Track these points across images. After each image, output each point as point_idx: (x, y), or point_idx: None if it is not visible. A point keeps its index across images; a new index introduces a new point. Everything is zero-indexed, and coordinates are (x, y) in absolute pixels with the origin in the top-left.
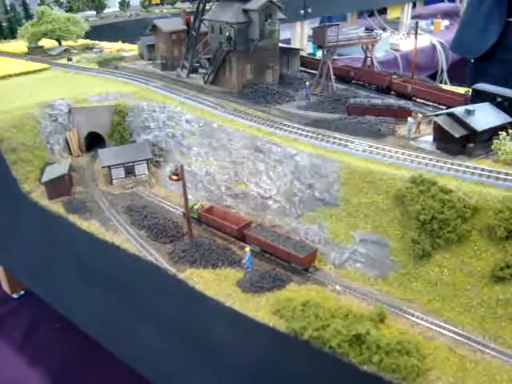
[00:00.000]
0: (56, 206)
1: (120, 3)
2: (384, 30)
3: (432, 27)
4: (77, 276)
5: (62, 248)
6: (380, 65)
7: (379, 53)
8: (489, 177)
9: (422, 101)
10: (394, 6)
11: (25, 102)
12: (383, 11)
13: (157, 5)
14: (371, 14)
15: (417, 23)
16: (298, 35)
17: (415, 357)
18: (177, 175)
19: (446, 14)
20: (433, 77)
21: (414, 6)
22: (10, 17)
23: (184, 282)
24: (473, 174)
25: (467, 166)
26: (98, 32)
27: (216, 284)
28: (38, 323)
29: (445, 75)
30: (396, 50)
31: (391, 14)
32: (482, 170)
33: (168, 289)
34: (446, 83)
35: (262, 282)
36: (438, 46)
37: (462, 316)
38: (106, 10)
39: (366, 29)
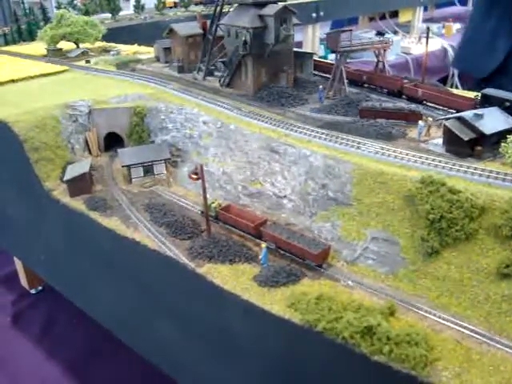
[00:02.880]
0: (77, 204)
1: (135, 6)
2: (395, 33)
3: (443, 30)
4: (97, 271)
5: (83, 244)
6: (391, 68)
7: (390, 56)
8: (496, 178)
9: (432, 105)
10: (406, 9)
11: (46, 102)
12: (394, 14)
13: (170, 8)
14: (382, 17)
15: (428, 29)
16: (310, 38)
17: (423, 348)
18: (196, 174)
19: (458, 18)
20: (444, 80)
21: (426, 9)
22: (29, 20)
23: (202, 276)
24: (480, 175)
25: (475, 168)
26: (113, 34)
27: (233, 278)
28: (56, 318)
29: (456, 79)
30: (407, 54)
31: (402, 17)
32: (490, 171)
33: (187, 283)
34: (456, 87)
35: (278, 276)
36: (450, 50)
37: (469, 311)
38: (121, 13)
39: (378, 32)
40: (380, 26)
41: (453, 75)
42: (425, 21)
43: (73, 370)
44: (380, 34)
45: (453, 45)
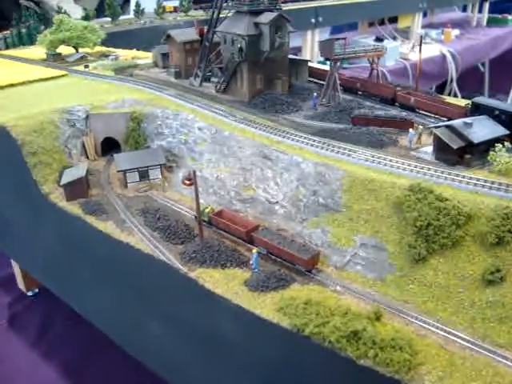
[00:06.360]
0: (74, 208)
1: (135, 10)
2: (394, 38)
3: (442, 36)
4: (92, 274)
5: (79, 247)
6: (390, 74)
7: (389, 62)
8: (483, 186)
9: (424, 112)
10: (405, 14)
11: (44, 107)
12: (394, 20)
13: (170, 12)
14: (382, 23)
15: (421, 37)
16: (309, 43)
17: (408, 352)
18: (189, 180)
19: (457, 24)
20: (442, 86)
21: (425, 14)
22: (29, 24)
23: (194, 280)
24: (468, 183)
25: (463, 176)
26: (113, 39)
27: (224, 283)
28: (52, 320)
29: (454, 84)
30: (406, 60)
31: (402, 23)
32: (478, 179)
33: (179, 287)
34: (455, 92)
35: (268, 281)
36: (448, 56)
37: (454, 316)
38: (121, 17)
39: (377, 38)
40: (379, 31)
41: (451, 81)
42: (424, 27)
43: (69, 372)
44: (379, 39)
45: (451, 50)
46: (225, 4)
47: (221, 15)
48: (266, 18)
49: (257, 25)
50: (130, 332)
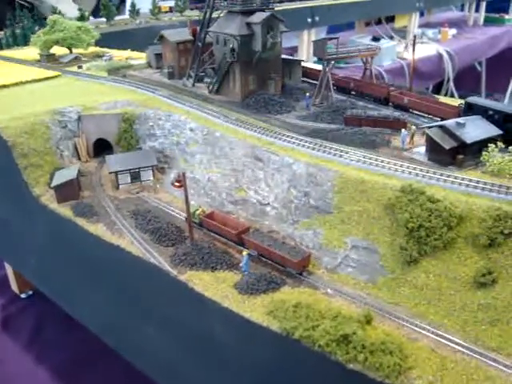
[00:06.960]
0: (64, 210)
1: (130, 11)
2: (391, 38)
3: (439, 36)
4: (83, 276)
5: (70, 249)
6: (387, 73)
7: (386, 61)
8: (475, 187)
9: (418, 112)
10: (402, 14)
11: (36, 108)
12: (391, 19)
13: (166, 12)
14: (379, 22)
15: (414, 37)
16: (305, 43)
17: (398, 356)
18: (179, 182)
19: (454, 23)
20: (439, 85)
21: (422, 14)
22: (23, 25)
23: (184, 283)
24: (460, 184)
25: (455, 177)
26: (108, 39)
27: (214, 286)
28: (45, 322)
29: (451, 84)
30: (403, 59)
31: (399, 23)
32: (470, 180)
33: (169, 290)
34: (452, 92)
35: (258, 284)
36: (445, 55)
37: (446, 319)
38: (117, 17)
39: (374, 37)
40: (376, 31)
41: (448, 80)
42: (421, 26)
43: (62, 375)
44: (376, 39)
45: (448, 50)
46: (217, 3)
47: (214, 15)
48: (258, 17)
49: (249, 25)
50: (123, 334)
